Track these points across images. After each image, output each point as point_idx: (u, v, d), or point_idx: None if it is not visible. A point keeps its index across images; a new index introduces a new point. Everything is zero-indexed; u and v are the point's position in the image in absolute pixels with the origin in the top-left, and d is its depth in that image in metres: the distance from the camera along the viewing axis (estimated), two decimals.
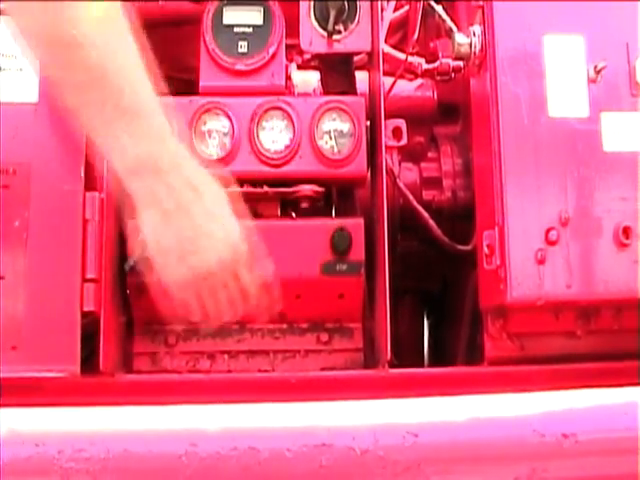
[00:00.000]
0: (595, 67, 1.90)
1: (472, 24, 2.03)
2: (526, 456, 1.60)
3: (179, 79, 2.30)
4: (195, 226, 1.56)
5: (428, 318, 2.68)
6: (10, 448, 1.53)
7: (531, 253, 1.83)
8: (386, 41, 2.33)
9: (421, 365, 2.41)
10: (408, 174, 2.26)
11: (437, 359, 2.51)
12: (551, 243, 1.83)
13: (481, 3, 1.98)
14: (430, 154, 2.29)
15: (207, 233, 1.57)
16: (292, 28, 2.06)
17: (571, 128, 1.89)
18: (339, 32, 2.04)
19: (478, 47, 1.97)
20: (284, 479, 1.54)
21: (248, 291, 1.65)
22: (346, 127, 1.98)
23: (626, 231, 1.85)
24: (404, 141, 2.01)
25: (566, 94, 1.90)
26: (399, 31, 2.44)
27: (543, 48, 1.92)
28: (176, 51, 2.33)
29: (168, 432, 1.59)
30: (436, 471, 1.58)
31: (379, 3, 2.05)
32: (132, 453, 1.54)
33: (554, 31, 1.93)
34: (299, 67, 2.30)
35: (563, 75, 1.91)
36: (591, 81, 1.91)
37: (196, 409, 1.64)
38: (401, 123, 2.01)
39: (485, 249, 1.90)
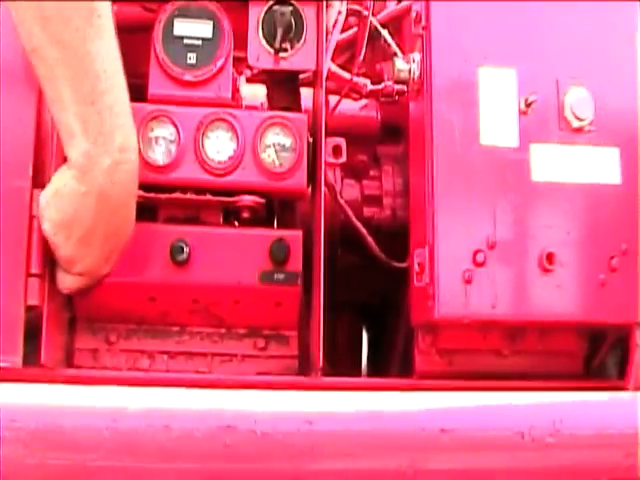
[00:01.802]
0: (526, 100, 1.99)
1: (414, 50, 2.11)
2: (407, 447, 1.69)
3: (132, 84, 2.36)
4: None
5: (367, 331, 2.75)
6: None
7: (459, 273, 1.91)
8: (333, 60, 2.37)
9: (357, 375, 2.48)
10: (350, 191, 2.33)
11: (374, 371, 2.58)
12: (478, 265, 1.92)
13: (421, 31, 2.06)
14: (372, 172, 2.35)
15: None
16: (242, 41, 2.12)
17: (501, 157, 1.97)
18: (285, 50, 2.10)
19: (417, 73, 2.05)
20: (193, 455, 1.63)
21: None
22: (288, 142, 2.03)
23: (550, 257, 1.93)
24: (343, 159, 2.07)
25: (498, 124, 1.99)
26: (347, 51, 2.50)
27: (478, 79, 2.00)
28: (130, 58, 2.38)
29: (93, 409, 1.67)
30: (327, 455, 1.67)
31: (325, 23, 2.10)
32: (59, 425, 1.62)
33: (489, 63, 2.01)
34: (248, 80, 2.35)
35: (495, 106, 1.99)
36: (522, 113, 2.00)
37: (119, 390, 1.72)
38: (341, 141, 2.07)
39: (416, 267, 1.99)
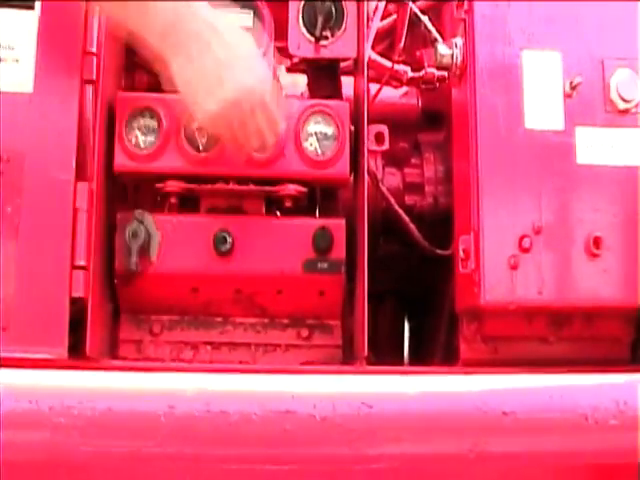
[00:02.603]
0: (571, 82, 1.97)
1: (455, 36, 2.10)
2: (469, 430, 1.67)
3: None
4: (217, 60, 1.79)
5: (409, 320, 2.74)
6: (6, 403, 1.60)
7: (504, 259, 1.89)
8: (373, 48, 2.37)
9: (400, 364, 2.47)
10: (391, 179, 2.31)
11: (416, 359, 2.57)
12: (524, 250, 1.90)
13: (464, 16, 2.04)
14: (413, 160, 2.34)
15: (228, 65, 1.79)
16: (282, 30, 2.11)
17: (546, 140, 1.95)
18: (326, 38, 2.09)
19: (459, 58, 2.04)
20: (251, 440, 1.62)
21: (273, 120, 1.87)
22: (330, 130, 2.03)
23: (597, 241, 1.91)
24: (386, 146, 2.06)
25: (542, 107, 1.97)
26: (387, 39, 2.49)
27: (521, 62, 1.98)
28: None
29: (149, 394, 1.66)
30: (388, 439, 1.65)
31: (366, 11, 2.09)
32: (116, 411, 1.61)
33: (532, 47, 1.99)
34: (288, 69, 2.35)
35: (540, 89, 1.97)
36: (567, 96, 1.97)
37: (176, 376, 1.72)
38: (384, 129, 2.06)
39: (461, 253, 1.97)
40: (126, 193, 2.14)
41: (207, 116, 1.83)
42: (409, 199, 2.30)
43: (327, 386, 1.70)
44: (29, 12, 1.94)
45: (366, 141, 2.02)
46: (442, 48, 2.08)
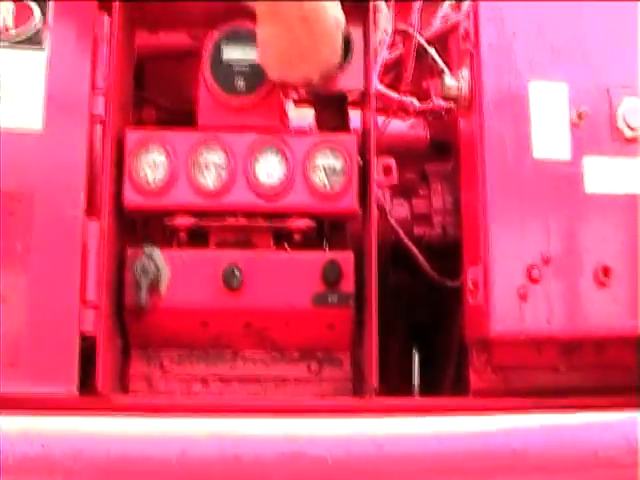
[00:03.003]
0: (578, 112, 1.97)
1: (462, 67, 2.10)
2: (481, 470, 1.68)
3: (180, 111, 2.38)
4: (313, 36, 1.94)
5: (418, 350, 2.72)
6: (20, 447, 1.62)
7: (514, 289, 1.90)
8: (380, 80, 2.38)
9: (410, 395, 2.46)
10: (399, 210, 2.32)
11: (426, 390, 2.55)
12: (533, 280, 1.90)
13: (470, 47, 2.05)
14: (421, 191, 2.35)
15: (321, 43, 1.96)
16: None
17: (554, 170, 1.96)
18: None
19: (466, 90, 2.04)
20: None
21: None
22: (338, 164, 2.03)
23: (605, 270, 1.91)
24: (394, 179, 2.06)
25: (550, 137, 1.97)
26: (393, 70, 2.49)
27: (528, 93, 1.99)
28: (174, 83, 2.40)
29: (161, 438, 1.67)
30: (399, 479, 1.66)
31: (372, 44, 2.10)
32: (128, 456, 1.63)
33: (539, 77, 2.00)
34: (295, 102, 2.36)
35: (547, 119, 1.98)
36: (574, 125, 1.98)
37: (187, 419, 1.72)
38: (391, 162, 2.06)
39: (470, 284, 1.97)
40: (135, 228, 2.14)
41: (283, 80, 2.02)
42: (418, 230, 2.30)
43: (338, 427, 1.70)
44: (39, 51, 1.96)
45: (374, 174, 2.02)
46: (449, 80, 2.08)
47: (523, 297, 1.89)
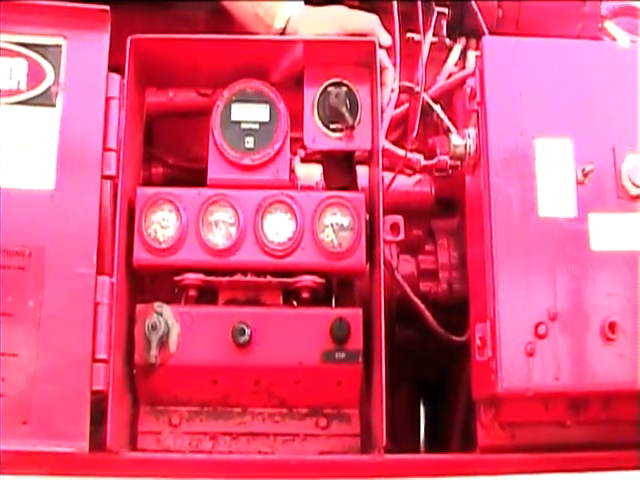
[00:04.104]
0: (583, 170, 1.99)
1: (468, 124, 2.13)
2: None
3: (188, 168, 2.41)
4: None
5: (425, 405, 2.74)
6: None
7: (521, 346, 1.90)
8: (386, 137, 2.41)
9: (417, 450, 2.47)
10: (406, 266, 2.34)
11: (433, 445, 2.56)
12: (540, 337, 1.91)
13: (476, 107, 2.08)
14: (427, 247, 2.37)
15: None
16: (296, 121, 2.15)
17: (560, 227, 1.97)
18: (341, 130, 2.13)
19: (473, 148, 2.07)
20: None
21: None
22: (347, 221, 2.05)
23: (612, 326, 1.92)
24: (401, 236, 2.07)
25: (555, 195, 1.99)
26: (399, 127, 2.53)
27: (534, 151, 2.01)
28: (183, 141, 2.43)
29: None
30: None
31: (379, 103, 2.12)
32: None
33: (544, 135, 2.02)
34: (303, 160, 2.38)
35: (553, 177, 2.00)
36: (579, 183, 2.00)
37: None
38: (399, 219, 2.07)
39: (477, 341, 1.98)
40: (143, 285, 2.16)
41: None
42: (424, 286, 2.32)
43: None
44: (51, 109, 1.99)
45: (382, 232, 2.03)
46: (455, 139, 2.11)
47: (530, 353, 1.90)
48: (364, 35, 2.15)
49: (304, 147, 2.19)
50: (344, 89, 2.14)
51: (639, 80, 2.07)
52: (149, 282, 2.19)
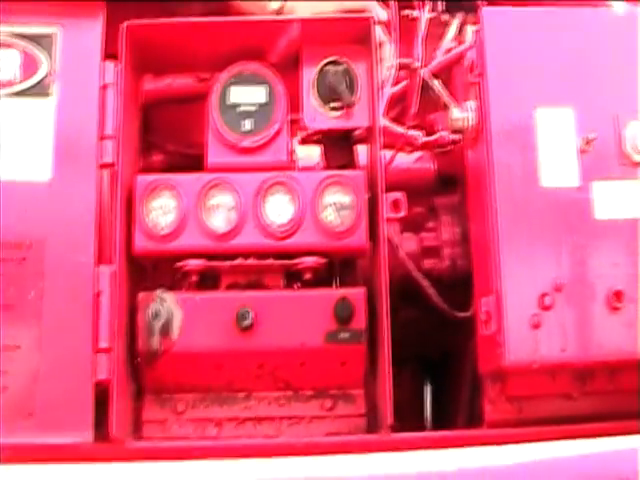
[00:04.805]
0: (586, 138, 1.97)
1: (467, 99, 2.11)
2: None
3: (187, 154, 2.39)
4: None
5: (430, 383, 2.72)
6: None
7: (526, 318, 1.89)
8: (386, 114, 2.39)
9: (423, 429, 2.44)
10: (408, 243, 2.32)
11: (439, 423, 2.54)
12: (546, 308, 1.89)
13: (476, 79, 2.05)
14: (430, 224, 2.35)
15: None
16: (295, 103, 2.13)
17: (563, 197, 1.96)
18: (341, 108, 2.11)
19: (474, 121, 2.05)
20: None
21: None
22: (347, 200, 2.03)
23: (618, 295, 1.90)
24: (403, 213, 2.05)
25: (558, 165, 1.97)
26: (398, 104, 2.50)
27: (535, 121, 1.99)
28: (184, 128, 2.41)
29: None
30: None
31: (376, 81, 2.10)
32: None
33: (545, 104, 2.00)
34: (302, 141, 2.36)
35: (555, 146, 1.98)
36: (582, 151, 1.98)
37: (203, 464, 1.73)
38: (400, 196, 2.05)
39: (482, 315, 1.96)
40: (145, 273, 2.15)
41: None
42: (427, 263, 2.30)
43: (355, 465, 1.70)
44: (46, 99, 1.98)
45: (384, 210, 2.01)
46: (455, 112, 2.09)
47: (536, 325, 1.88)
48: (360, 12, 2.12)
49: (303, 128, 2.16)
50: (342, 67, 2.12)
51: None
52: (151, 270, 2.17)
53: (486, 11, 2.07)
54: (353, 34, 2.11)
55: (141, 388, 2.05)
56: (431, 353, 2.55)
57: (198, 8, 2.53)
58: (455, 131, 2.11)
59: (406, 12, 2.52)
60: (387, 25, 2.25)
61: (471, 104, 2.06)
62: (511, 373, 1.95)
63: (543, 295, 1.89)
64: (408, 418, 2.52)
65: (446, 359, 2.48)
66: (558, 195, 1.96)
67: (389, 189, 2.07)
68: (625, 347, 1.90)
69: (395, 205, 2.06)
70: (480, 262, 2.04)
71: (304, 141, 2.35)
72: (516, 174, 1.96)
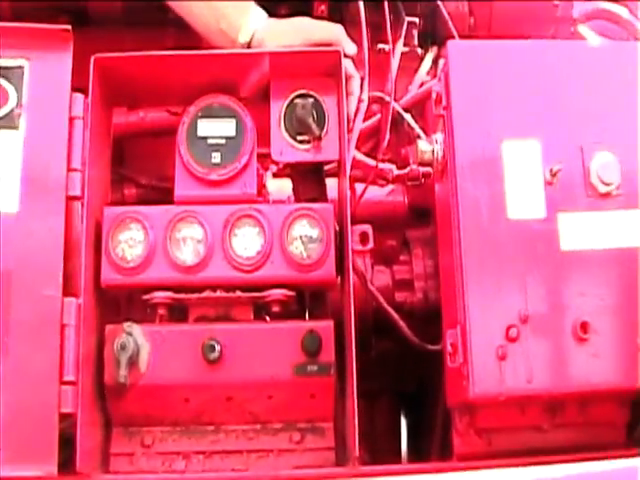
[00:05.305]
0: (551, 170, 1.97)
1: (436, 131, 2.11)
2: None
3: (159, 188, 2.39)
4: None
5: (406, 416, 2.70)
6: None
7: (492, 350, 1.87)
8: (359, 148, 2.39)
9: (397, 462, 2.43)
10: (380, 277, 2.32)
11: (415, 457, 2.53)
12: (511, 340, 1.88)
13: (442, 112, 2.06)
14: (402, 257, 2.35)
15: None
16: (267, 136, 2.13)
17: (529, 229, 1.95)
18: (308, 142, 2.11)
19: (440, 154, 2.05)
20: None
21: None
22: (315, 233, 2.02)
23: (584, 326, 1.89)
24: (371, 245, 2.05)
25: (524, 196, 1.96)
26: (372, 138, 2.51)
27: (501, 153, 1.99)
28: (156, 160, 2.42)
29: None
30: None
31: (346, 111, 2.10)
32: None
33: (511, 136, 2.00)
34: (275, 175, 2.37)
35: (521, 178, 1.97)
36: (548, 183, 1.97)
37: None
38: (367, 228, 2.06)
39: (449, 347, 1.95)
40: (118, 306, 2.14)
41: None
42: (399, 296, 2.30)
43: None
44: (14, 132, 1.98)
45: (350, 242, 1.99)
46: (422, 144, 2.09)
47: (502, 357, 1.87)
48: (329, 45, 2.13)
49: (275, 162, 2.16)
50: (310, 100, 2.12)
51: (611, 78, 2.06)
52: (125, 303, 2.17)
53: (451, 44, 2.08)
54: (322, 67, 2.11)
55: (109, 421, 2.03)
56: (407, 386, 2.54)
57: (172, 36, 2.55)
58: (423, 164, 2.11)
59: (380, 46, 2.54)
60: (360, 60, 2.25)
61: (438, 137, 2.06)
62: (478, 405, 1.93)
63: (509, 327, 1.88)
64: (384, 451, 2.52)
65: (421, 392, 2.47)
66: (524, 227, 1.95)
67: (361, 222, 2.08)
68: (592, 379, 1.89)
69: (363, 237, 2.07)
70: (447, 294, 2.03)
71: (276, 175, 2.36)
72: (482, 206, 1.95)
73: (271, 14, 2.25)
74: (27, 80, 2.01)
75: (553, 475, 1.77)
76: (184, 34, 2.40)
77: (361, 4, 2.31)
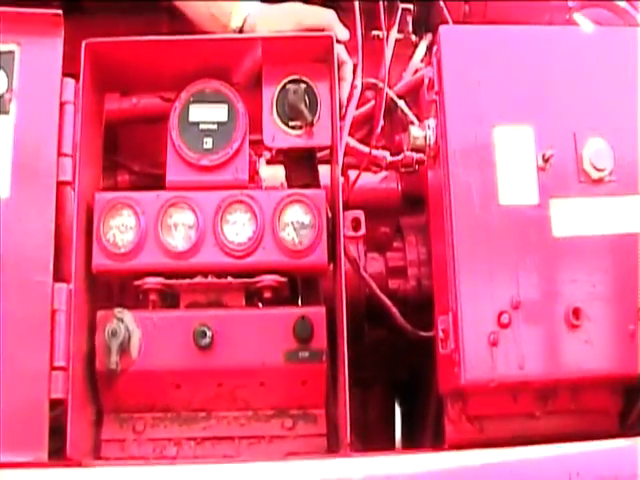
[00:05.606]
0: (543, 155, 1.96)
1: (429, 117, 2.10)
2: None
3: (152, 174, 2.39)
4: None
5: (399, 403, 2.70)
6: None
7: (484, 336, 1.87)
8: (353, 135, 2.38)
9: (391, 449, 2.43)
10: (374, 264, 2.31)
11: (408, 444, 2.53)
12: (503, 326, 1.87)
13: (434, 97, 2.05)
14: (396, 244, 2.35)
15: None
16: (260, 122, 2.12)
17: (521, 215, 1.94)
18: (300, 127, 2.10)
19: (432, 140, 2.04)
20: None
21: None
22: (307, 219, 2.01)
23: (576, 312, 1.89)
24: (363, 231, 2.05)
25: (516, 182, 1.96)
26: (366, 125, 2.50)
27: (493, 139, 1.98)
28: (149, 147, 2.41)
29: None
30: None
31: (338, 99, 2.09)
32: None
33: (504, 122, 1.99)
34: (268, 162, 2.36)
35: (513, 164, 1.97)
36: (540, 169, 1.97)
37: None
38: (359, 214, 2.05)
39: (440, 334, 1.95)
40: (110, 291, 2.14)
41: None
42: (392, 283, 2.29)
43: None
44: (4, 117, 1.97)
45: (342, 228, 1.99)
46: (415, 130, 2.08)
47: (494, 343, 1.86)
48: (321, 30, 2.12)
49: (268, 149, 2.16)
50: (303, 86, 2.11)
51: (604, 64, 2.05)
52: (118, 289, 2.16)
53: (443, 29, 2.07)
54: (314, 52, 2.10)
55: (100, 407, 2.02)
56: (400, 374, 2.53)
57: (166, 21, 2.54)
58: (415, 150, 2.10)
59: (374, 33, 2.53)
60: (353, 46, 2.23)
61: (430, 122, 2.05)
62: (470, 392, 1.93)
63: (501, 313, 1.88)
64: (378, 439, 2.52)
65: (414, 379, 2.47)
66: (516, 213, 1.94)
67: (355, 209, 2.06)
68: (584, 365, 1.89)
69: (355, 224, 2.06)
70: (439, 281, 2.03)
71: (270, 161, 2.35)
72: (474, 192, 1.95)
73: None
74: (18, 65, 2.00)
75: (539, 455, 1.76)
76: (178, 21, 2.39)
77: None
